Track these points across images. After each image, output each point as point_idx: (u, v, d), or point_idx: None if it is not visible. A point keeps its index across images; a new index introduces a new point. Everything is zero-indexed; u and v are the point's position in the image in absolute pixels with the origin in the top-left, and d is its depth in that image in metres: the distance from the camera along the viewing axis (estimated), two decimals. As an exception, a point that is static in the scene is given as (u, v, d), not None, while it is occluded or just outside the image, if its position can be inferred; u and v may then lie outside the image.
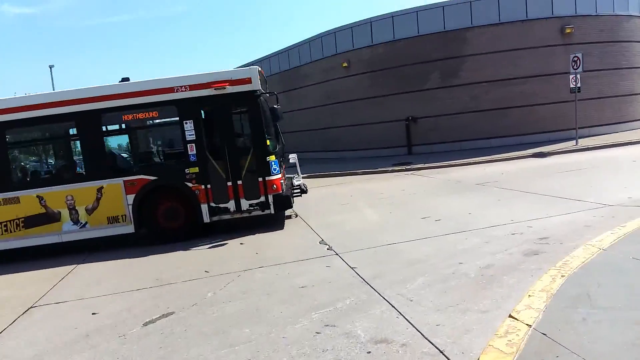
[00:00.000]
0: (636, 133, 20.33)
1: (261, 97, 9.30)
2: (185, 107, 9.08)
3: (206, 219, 9.22)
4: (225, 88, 9.05)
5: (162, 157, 10.13)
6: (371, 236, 7.95)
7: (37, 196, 8.87)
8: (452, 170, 16.13)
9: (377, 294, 5.26)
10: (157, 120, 9.68)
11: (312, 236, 8.49)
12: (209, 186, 9.20)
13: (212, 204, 9.22)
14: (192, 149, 9.13)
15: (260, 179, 9.26)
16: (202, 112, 9.44)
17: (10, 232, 8.88)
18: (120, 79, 9.59)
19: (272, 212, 9.45)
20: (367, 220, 9.60)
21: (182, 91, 9.04)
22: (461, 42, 20.55)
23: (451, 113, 20.73)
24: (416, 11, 21.28)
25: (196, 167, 9.11)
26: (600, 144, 17.97)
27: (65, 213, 8.99)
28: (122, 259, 8.49)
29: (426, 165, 17.39)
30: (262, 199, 9.31)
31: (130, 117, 9.20)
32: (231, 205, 9.27)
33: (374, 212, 10.24)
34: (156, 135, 10.32)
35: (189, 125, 9.09)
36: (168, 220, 9.24)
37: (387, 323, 4.47)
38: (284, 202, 9.55)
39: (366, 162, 20.65)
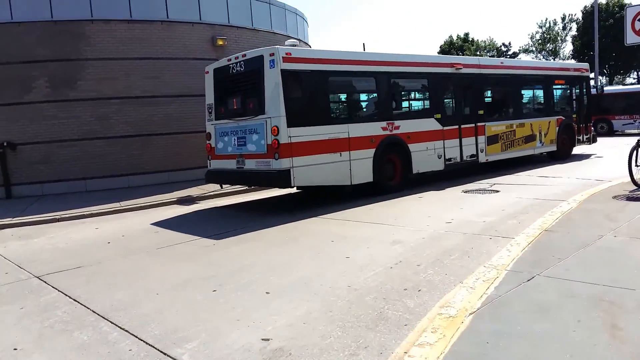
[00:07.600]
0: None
1: (589, 79, 17.69)
2: (570, 79, 16.34)
3: (577, 144, 16.22)
4: (582, 72, 16.73)
5: (561, 107, 16.50)
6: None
7: (530, 124, 14.57)
8: (57, 228, 10.01)
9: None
10: (565, 86, 16.57)
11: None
12: (575, 125, 16.22)
13: (577, 137, 16.12)
14: (574, 104, 16.56)
15: (589, 124, 16.77)
16: (573, 83, 16.59)
17: (517, 145, 14.21)
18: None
19: (591, 144, 16.85)
20: None
21: (571, 71, 16.59)
22: (78, 39, 14.65)
23: (70, 139, 14.72)
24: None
25: (575, 114, 16.24)
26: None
27: (537, 136, 14.73)
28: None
29: (20, 218, 10.80)
30: (588, 136, 16.56)
31: (557, 81, 15.89)
32: (582, 137, 16.34)
33: None
34: (562, 94, 16.89)
35: (573, 90, 16.62)
36: (565, 144, 15.73)
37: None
38: (595, 138, 17.20)
39: None
